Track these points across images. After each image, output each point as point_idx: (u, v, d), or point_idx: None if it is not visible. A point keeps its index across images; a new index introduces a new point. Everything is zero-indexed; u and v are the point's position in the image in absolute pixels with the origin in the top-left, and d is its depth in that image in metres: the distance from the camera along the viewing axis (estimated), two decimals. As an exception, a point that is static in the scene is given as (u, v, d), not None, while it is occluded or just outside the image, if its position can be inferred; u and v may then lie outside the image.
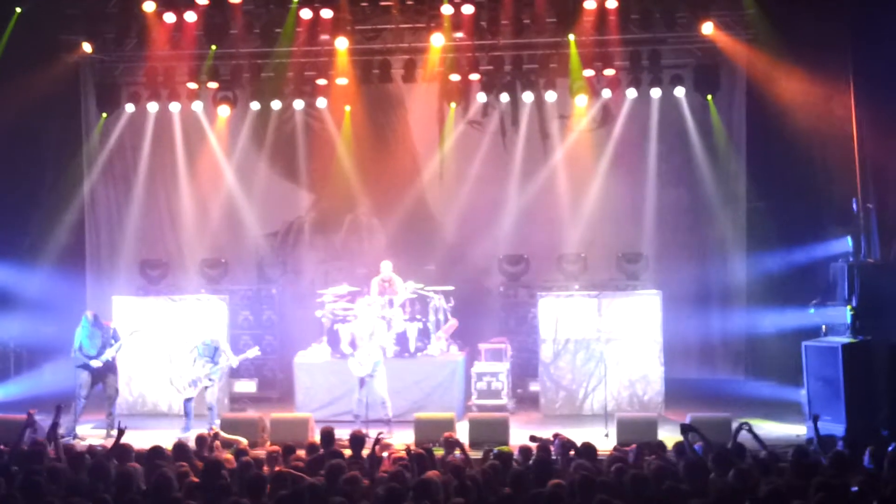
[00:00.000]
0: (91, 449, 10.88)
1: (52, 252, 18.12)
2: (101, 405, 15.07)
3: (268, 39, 17.48)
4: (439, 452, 10.81)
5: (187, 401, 14.84)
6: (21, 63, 16.74)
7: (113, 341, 14.98)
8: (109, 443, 10.90)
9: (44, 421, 11.98)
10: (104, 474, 9.19)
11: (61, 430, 13.77)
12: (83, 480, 9.10)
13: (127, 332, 15.24)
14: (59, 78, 17.54)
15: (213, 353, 14.91)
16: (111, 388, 15.02)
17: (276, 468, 9.72)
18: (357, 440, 10.92)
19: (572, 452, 10.41)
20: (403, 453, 10.09)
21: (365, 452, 10.52)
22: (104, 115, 18.54)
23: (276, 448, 10.83)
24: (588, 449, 10.42)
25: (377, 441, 10.57)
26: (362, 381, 14.65)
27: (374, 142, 19.06)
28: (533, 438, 11.23)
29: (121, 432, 11.06)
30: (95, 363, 14.82)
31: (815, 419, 11.90)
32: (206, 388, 14.82)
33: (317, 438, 11.63)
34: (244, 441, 12.50)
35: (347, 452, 10.65)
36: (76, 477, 9.24)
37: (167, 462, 9.82)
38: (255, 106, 18.29)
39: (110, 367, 15.03)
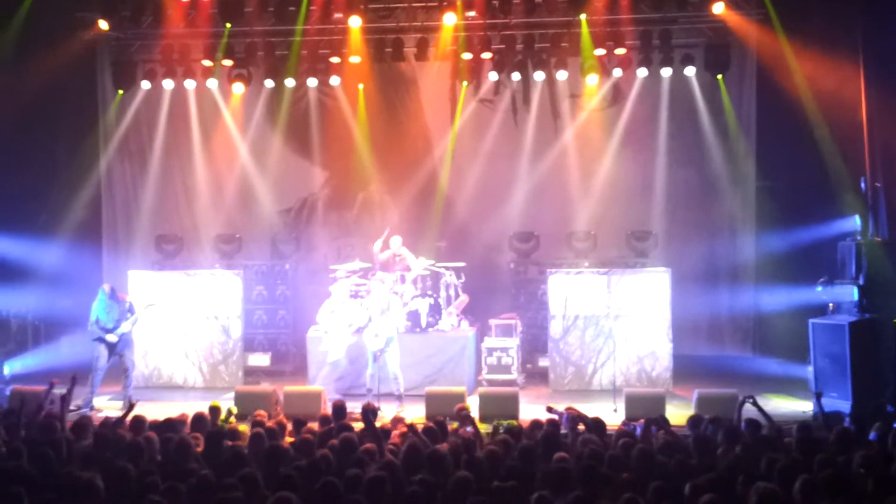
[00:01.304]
0: (106, 420, 11.06)
1: (69, 227, 18.34)
2: (117, 378, 15.26)
3: (282, 18, 17.57)
4: (455, 426, 11.02)
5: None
6: (38, 41, 16.90)
7: (129, 315, 15.16)
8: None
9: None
10: (116, 445, 9.40)
11: (78, 402, 14.10)
12: (95, 452, 9.26)
13: (142, 305, 15.43)
14: (76, 55, 17.66)
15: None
16: (128, 360, 15.21)
17: (282, 441, 9.91)
18: (368, 413, 11.11)
19: (582, 427, 10.56)
20: (417, 426, 10.24)
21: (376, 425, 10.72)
22: (120, 92, 18.71)
23: (282, 419, 11.04)
24: (597, 424, 10.58)
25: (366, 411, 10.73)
26: (375, 356, 14.85)
27: (386, 120, 19.19)
28: (550, 409, 11.40)
29: (131, 406, 11.31)
30: (111, 337, 15.00)
31: (819, 396, 12.09)
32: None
33: (329, 411, 11.83)
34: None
35: (359, 426, 10.83)
36: (87, 448, 9.39)
37: (180, 434, 10.05)
38: (269, 84, 18.38)
39: (127, 341, 15.21)
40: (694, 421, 10.86)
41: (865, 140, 15.83)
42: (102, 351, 15.02)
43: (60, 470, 8.52)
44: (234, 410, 12.81)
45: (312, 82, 18.53)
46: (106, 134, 19.21)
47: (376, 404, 13.45)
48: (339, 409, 11.27)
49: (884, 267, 14.75)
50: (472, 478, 8.00)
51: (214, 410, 11.53)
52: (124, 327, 15.06)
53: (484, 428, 11.71)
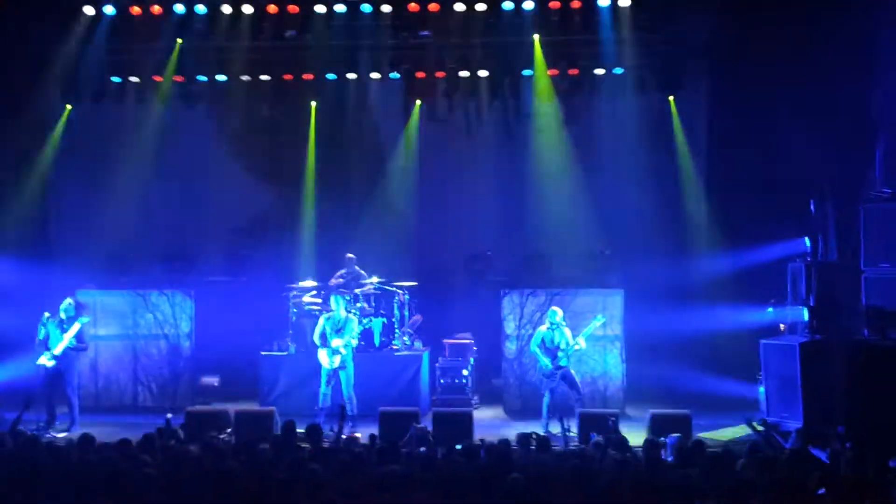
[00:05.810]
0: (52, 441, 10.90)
1: (16, 244, 17.97)
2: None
3: (234, 33, 17.52)
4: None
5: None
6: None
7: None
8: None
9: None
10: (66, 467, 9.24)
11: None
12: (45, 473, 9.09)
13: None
14: (25, 69, 17.47)
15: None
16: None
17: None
18: (314, 433, 11.02)
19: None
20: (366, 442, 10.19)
21: (326, 445, 10.67)
22: (69, 106, 18.51)
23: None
24: (543, 442, 10.62)
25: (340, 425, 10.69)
26: (329, 376, 14.74)
27: (339, 137, 19.10)
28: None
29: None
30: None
31: (765, 427, 12.14)
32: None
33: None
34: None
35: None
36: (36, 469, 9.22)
37: (131, 455, 9.89)
38: (221, 99, 18.31)
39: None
40: (649, 444, 10.87)
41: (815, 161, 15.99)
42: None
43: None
44: None
45: (265, 98, 18.45)
46: (55, 149, 18.91)
47: (325, 426, 13.40)
48: (289, 429, 11.17)
49: (833, 288, 14.89)
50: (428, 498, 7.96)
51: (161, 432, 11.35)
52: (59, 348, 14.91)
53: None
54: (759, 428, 11.91)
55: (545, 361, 14.79)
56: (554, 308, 15.17)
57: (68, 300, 15.20)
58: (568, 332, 14.92)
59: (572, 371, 15.00)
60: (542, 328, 15.02)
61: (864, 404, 13.39)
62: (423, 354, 16.44)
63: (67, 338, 14.87)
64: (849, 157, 15.48)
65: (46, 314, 15.09)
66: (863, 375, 13.62)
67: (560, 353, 14.78)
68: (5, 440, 10.56)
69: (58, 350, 14.80)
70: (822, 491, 8.46)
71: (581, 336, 14.92)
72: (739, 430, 14.20)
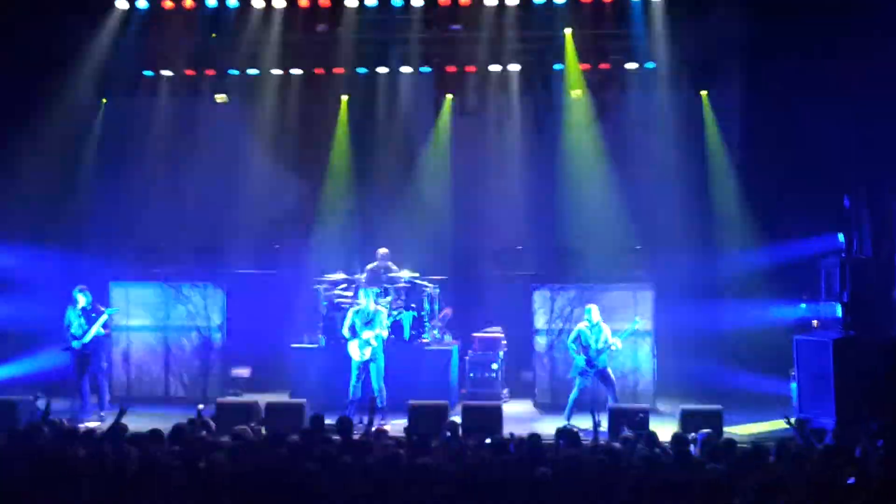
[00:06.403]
0: (88, 431, 10.99)
1: (51, 236, 18.14)
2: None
3: (267, 27, 17.57)
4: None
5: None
6: (21, 44, 16.80)
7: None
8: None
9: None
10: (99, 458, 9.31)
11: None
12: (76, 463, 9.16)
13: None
14: (58, 63, 17.60)
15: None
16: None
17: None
18: (344, 425, 11.04)
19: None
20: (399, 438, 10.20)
21: (356, 437, 10.71)
22: (104, 100, 18.63)
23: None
24: (571, 436, 10.61)
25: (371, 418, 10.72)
26: (359, 368, 14.77)
27: (370, 131, 19.13)
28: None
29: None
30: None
31: (800, 423, 12.04)
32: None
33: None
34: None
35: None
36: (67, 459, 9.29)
37: (162, 445, 9.96)
38: (252, 93, 18.37)
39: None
40: (677, 437, 10.83)
41: (850, 156, 15.86)
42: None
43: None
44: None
45: (296, 92, 18.50)
46: (89, 142, 19.07)
47: (358, 419, 13.45)
48: (317, 421, 11.19)
49: (867, 284, 14.77)
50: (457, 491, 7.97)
51: (192, 423, 11.37)
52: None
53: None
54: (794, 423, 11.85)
55: (579, 359, 14.76)
56: (589, 306, 15.12)
57: (79, 289, 15.32)
58: (607, 329, 14.87)
59: (609, 370, 14.96)
60: (582, 325, 14.98)
61: (897, 402, 13.28)
62: (452, 348, 16.45)
63: (96, 327, 15.06)
64: (884, 152, 15.34)
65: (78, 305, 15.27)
66: (896, 373, 13.51)
67: (592, 352, 14.75)
68: (41, 429, 10.63)
69: (87, 337, 15.00)
70: (851, 480, 8.41)
71: (618, 336, 14.89)
72: (767, 426, 14.15)
